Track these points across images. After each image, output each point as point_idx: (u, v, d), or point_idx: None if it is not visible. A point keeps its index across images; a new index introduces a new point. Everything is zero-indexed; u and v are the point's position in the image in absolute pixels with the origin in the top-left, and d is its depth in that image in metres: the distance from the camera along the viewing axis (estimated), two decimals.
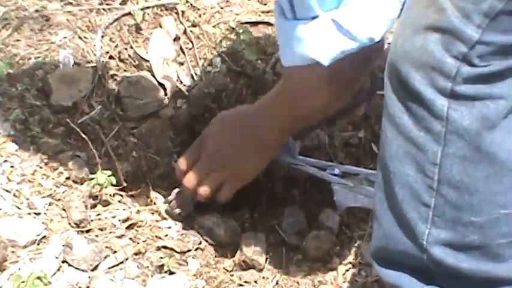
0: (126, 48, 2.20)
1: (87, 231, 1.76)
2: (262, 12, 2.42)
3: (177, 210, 1.88)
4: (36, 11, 2.18)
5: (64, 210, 1.77)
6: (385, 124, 1.25)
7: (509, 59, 1.11)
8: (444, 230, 1.22)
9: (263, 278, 1.83)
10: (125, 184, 1.93)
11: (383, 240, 1.32)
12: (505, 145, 1.16)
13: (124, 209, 1.84)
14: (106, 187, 1.85)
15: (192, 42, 2.29)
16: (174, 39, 2.27)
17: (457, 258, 1.24)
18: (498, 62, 1.11)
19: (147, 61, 2.18)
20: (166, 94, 2.16)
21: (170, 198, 1.89)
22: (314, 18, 1.34)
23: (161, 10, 2.32)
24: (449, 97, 1.14)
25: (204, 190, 1.79)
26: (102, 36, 2.18)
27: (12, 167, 1.82)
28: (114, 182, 1.87)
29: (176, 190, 1.89)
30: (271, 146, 1.75)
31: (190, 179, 1.79)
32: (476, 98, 1.13)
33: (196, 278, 1.77)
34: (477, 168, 1.17)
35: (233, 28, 2.34)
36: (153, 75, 2.17)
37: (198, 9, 2.37)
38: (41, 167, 1.85)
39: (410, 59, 1.16)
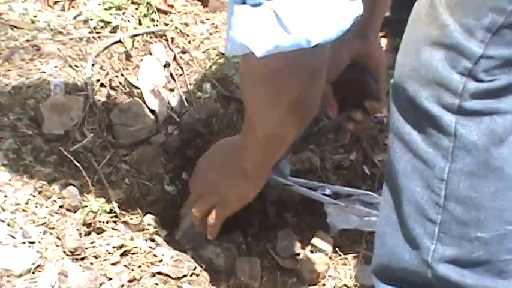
0: (116, 76, 2.21)
1: (82, 259, 1.76)
2: None
3: (189, 246, 1.88)
4: (27, 40, 2.19)
5: (58, 238, 1.77)
6: (393, 141, 1.26)
7: None
8: (450, 246, 1.22)
9: None
10: (118, 211, 1.93)
11: (385, 257, 1.33)
12: None
13: (118, 236, 1.84)
14: (100, 214, 1.86)
15: (182, 68, 2.30)
16: (164, 66, 2.29)
17: (462, 274, 1.24)
18: (504, 75, 1.12)
19: (138, 88, 2.19)
20: (157, 121, 2.16)
21: (180, 235, 1.90)
22: (258, 5, 1.24)
23: (151, 37, 2.34)
24: (456, 113, 1.16)
25: (194, 216, 1.79)
26: (93, 65, 2.19)
27: (5, 196, 1.82)
28: (108, 209, 1.88)
29: (185, 225, 1.90)
30: (253, 177, 1.68)
31: (187, 204, 1.80)
32: (484, 113, 1.15)
33: None
34: (484, 184, 1.18)
35: (222, 53, 2.35)
36: (144, 102, 2.17)
37: (188, 35, 2.39)
38: (34, 196, 1.85)
39: (417, 77, 1.17)
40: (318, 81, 1.41)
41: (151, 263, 1.82)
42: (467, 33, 1.11)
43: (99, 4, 2.35)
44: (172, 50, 2.33)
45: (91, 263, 1.75)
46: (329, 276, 1.90)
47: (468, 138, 1.16)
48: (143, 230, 1.91)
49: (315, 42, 1.23)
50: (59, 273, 1.69)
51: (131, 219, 1.95)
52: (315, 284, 1.88)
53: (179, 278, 1.81)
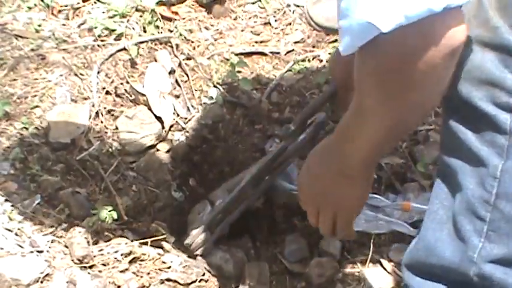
0: (122, 83, 2.22)
1: (90, 267, 1.76)
2: (256, 42, 2.44)
3: (198, 252, 1.88)
4: (32, 50, 2.19)
5: (66, 247, 1.78)
6: (447, 140, 1.28)
7: None
8: (497, 244, 1.25)
9: None
10: (126, 218, 1.93)
11: (423, 252, 1.34)
12: None
13: (126, 243, 1.84)
14: (107, 222, 1.86)
15: (187, 74, 2.31)
16: (170, 73, 2.29)
17: (505, 273, 1.26)
18: None
19: (144, 95, 2.20)
20: (163, 127, 2.17)
21: (189, 241, 1.89)
22: None
23: (155, 44, 2.34)
24: (511, 112, 1.17)
25: (323, 233, 1.62)
26: (98, 72, 2.19)
27: (13, 206, 1.82)
28: (115, 217, 1.88)
29: (194, 231, 1.89)
30: (361, 178, 1.45)
31: (312, 223, 1.60)
32: None
33: None
34: None
35: (227, 59, 2.36)
36: (150, 109, 2.18)
37: (192, 42, 2.39)
38: (41, 205, 1.85)
39: (470, 78, 1.18)
40: (455, 62, 1.19)
41: (159, 269, 1.81)
42: None
43: (104, 12, 2.36)
44: (177, 57, 2.33)
45: (99, 271, 1.75)
46: (337, 279, 1.89)
47: None
48: (151, 236, 1.91)
49: (446, 2, 1.07)
50: (67, 282, 1.69)
51: (139, 226, 1.95)
52: None
53: (188, 284, 1.81)
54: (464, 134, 1.22)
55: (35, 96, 2.08)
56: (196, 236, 1.90)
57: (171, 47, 2.35)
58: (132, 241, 1.85)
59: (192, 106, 2.24)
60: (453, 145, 1.26)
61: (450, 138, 1.26)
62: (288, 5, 2.56)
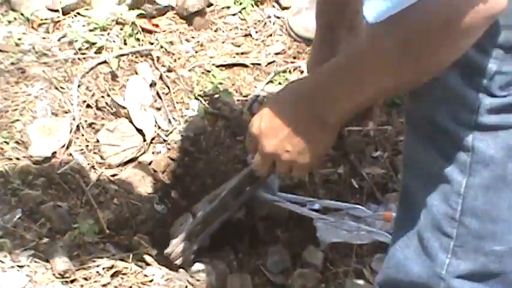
0: (103, 96, 2.21)
1: (72, 281, 1.75)
2: (237, 54, 2.44)
3: (178, 262, 1.87)
4: (12, 63, 2.19)
5: (48, 261, 1.77)
6: (410, 157, 1.28)
7: None
8: (464, 260, 1.25)
9: None
10: (107, 231, 1.93)
11: (393, 269, 1.34)
12: None
13: (108, 257, 1.83)
14: (89, 236, 1.85)
15: (168, 87, 2.30)
16: (151, 85, 2.29)
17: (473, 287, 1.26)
18: None
19: (125, 108, 2.19)
20: (145, 140, 2.17)
21: (169, 250, 1.89)
22: None
23: (136, 57, 2.34)
24: (473, 128, 1.18)
25: (280, 174, 1.55)
26: (79, 86, 2.19)
27: None
28: (97, 230, 1.88)
29: (174, 241, 1.89)
30: (332, 128, 1.35)
31: (262, 169, 1.47)
32: (500, 127, 1.17)
33: None
34: (501, 197, 1.20)
35: (208, 71, 2.36)
36: (131, 122, 2.17)
37: (173, 54, 2.39)
38: (22, 219, 1.84)
39: (432, 95, 1.18)
40: (488, 25, 1.14)
41: (142, 283, 1.81)
42: (482, 51, 1.13)
43: (84, 25, 2.36)
44: (158, 69, 2.33)
45: (81, 285, 1.75)
46: None
47: (485, 153, 1.18)
48: (133, 250, 1.91)
49: None
50: None
51: (121, 239, 1.94)
52: None
53: None
54: (427, 151, 1.23)
55: (15, 110, 2.07)
56: (176, 246, 1.89)
57: (152, 59, 2.35)
58: (114, 255, 1.85)
59: (174, 118, 2.24)
60: (416, 161, 1.26)
61: (413, 155, 1.26)
62: (269, 17, 2.57)
